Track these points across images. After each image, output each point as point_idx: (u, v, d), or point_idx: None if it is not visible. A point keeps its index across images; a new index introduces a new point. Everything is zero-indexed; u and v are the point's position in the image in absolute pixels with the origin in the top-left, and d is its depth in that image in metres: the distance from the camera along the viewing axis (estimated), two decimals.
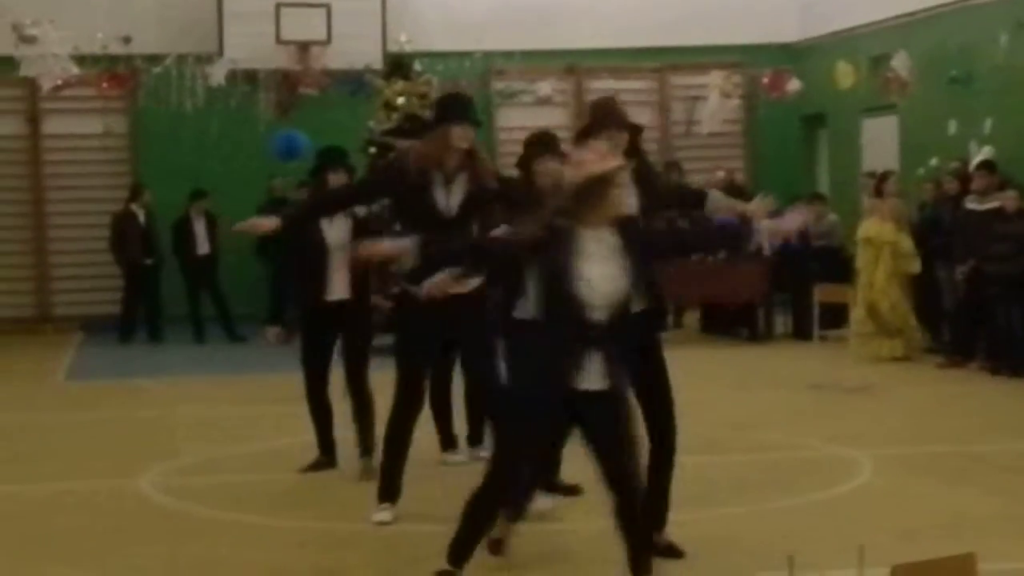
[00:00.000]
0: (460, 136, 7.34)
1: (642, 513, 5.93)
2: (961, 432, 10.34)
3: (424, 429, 8.28)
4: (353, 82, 18.03)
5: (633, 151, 6.69)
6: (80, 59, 17.03)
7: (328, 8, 18.11)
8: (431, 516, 7.56)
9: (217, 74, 17.83)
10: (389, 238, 8.02)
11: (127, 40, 17.62)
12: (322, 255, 8.68)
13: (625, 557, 5.93)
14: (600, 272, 5.70)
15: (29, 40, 16.69)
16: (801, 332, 15.73)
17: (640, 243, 5.85)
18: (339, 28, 18.08)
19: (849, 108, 18.27)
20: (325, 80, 18.26)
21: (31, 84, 17.80)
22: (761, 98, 19.27)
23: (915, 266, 14.27)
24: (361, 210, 8.86)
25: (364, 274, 8.78)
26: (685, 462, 6.93)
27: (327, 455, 9.14)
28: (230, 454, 9.88)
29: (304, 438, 9.27)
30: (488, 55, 18.82)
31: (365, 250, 7.80)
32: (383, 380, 8.52)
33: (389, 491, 7.63)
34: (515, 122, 18.41)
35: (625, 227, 5.84)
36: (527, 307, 6.93)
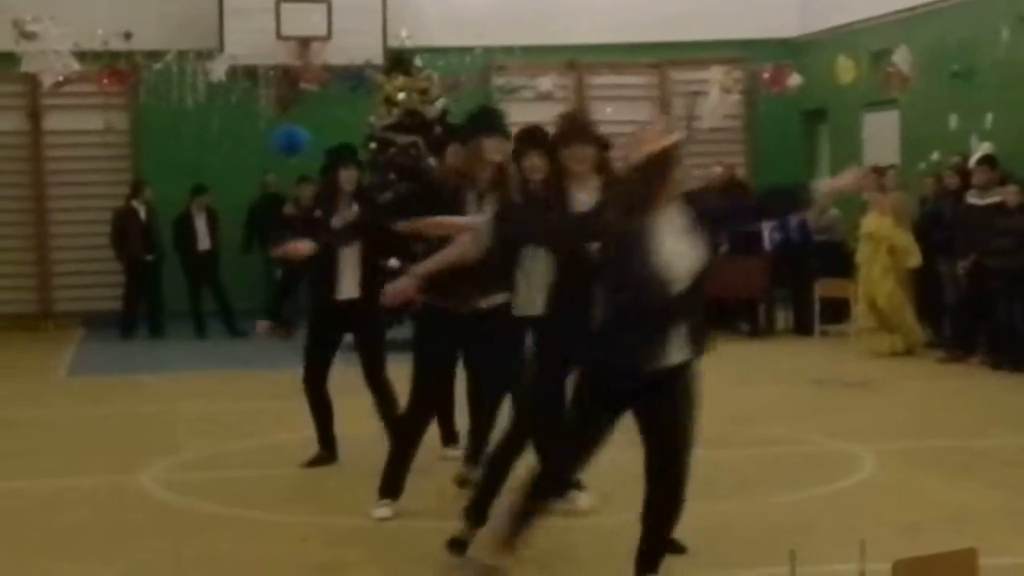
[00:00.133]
0: (492, 148, 7.28)
1: (673, 511, 5.87)
2: (963, 427, 10.35)
3: None
4: (354, 78, 18.00)
5: (602, 166, 6.64)
6: (81, 55, 16.98)
7: (328, 4, 18.13)
8: (432, 512, 7.57)
9: (218, 70, 17.80)
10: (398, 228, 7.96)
11: (128, 36, 17.58)
12: (331, 255, 8.67)
13: (637, 550, 5.91)
14: (674, 249, 5.60)
15: (30, 36, 16.66)
16: (802, 327, 15.74)
17: (708, 216, 5.75)
18: (339, 24, 18.08)
19: (850, 103, 18.25)
20: (325, 76, 18.25)
21: (32, 80, 17.77)
22: (762, 93, 19.23)
23: (913, 261, 14.26)
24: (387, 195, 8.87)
25: (373, 272, 8.77)
26: None
27: (328, 450, 9.15)
28: (232, 449, 9.88)
29: (305, 433, 9.28)
30: (489, 50, 18.78)
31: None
32: (394, 376, 8.56)
33: (391, 487, 7.62)
34: (516, 118, 18.19)
35: (691, 202, 5.75)
36: (522, 306, 6.91)
